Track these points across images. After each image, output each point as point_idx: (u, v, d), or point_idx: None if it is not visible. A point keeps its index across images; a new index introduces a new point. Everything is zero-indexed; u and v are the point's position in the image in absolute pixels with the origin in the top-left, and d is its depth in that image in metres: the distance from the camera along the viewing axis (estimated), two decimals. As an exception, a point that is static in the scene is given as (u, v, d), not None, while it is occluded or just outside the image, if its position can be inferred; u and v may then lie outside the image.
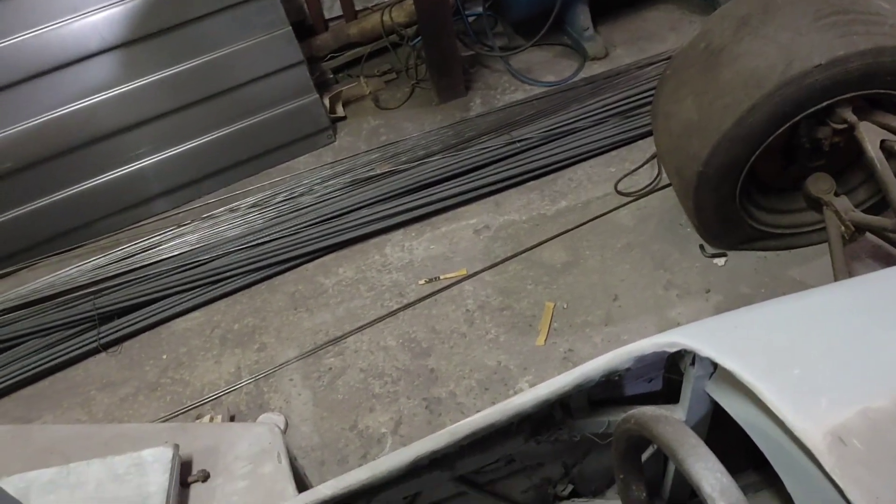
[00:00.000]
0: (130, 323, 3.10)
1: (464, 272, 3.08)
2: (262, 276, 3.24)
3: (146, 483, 1.38)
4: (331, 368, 2.81)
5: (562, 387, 1.29)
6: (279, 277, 3.26)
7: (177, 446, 1.46)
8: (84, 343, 3.04)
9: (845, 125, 2.30)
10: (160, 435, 1.58)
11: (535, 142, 3.54)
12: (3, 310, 3.19)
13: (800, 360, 1.10)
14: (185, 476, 1.48)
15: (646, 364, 1.32)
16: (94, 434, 1.59)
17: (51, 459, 1.50)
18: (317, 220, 3.37)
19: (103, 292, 3.18)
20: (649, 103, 3.06)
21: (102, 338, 3.04)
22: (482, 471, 1.57)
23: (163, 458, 1.42)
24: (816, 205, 2.59)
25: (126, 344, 3.09)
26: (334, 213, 3.39)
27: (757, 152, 2.30)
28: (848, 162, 2.67)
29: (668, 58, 3.70)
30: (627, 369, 1.30)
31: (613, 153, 3.50)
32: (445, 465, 1.42)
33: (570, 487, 1.74)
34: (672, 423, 1.02)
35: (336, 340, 2.91)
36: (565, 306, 2.84)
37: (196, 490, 1.47)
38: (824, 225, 2.51)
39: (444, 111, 4.05)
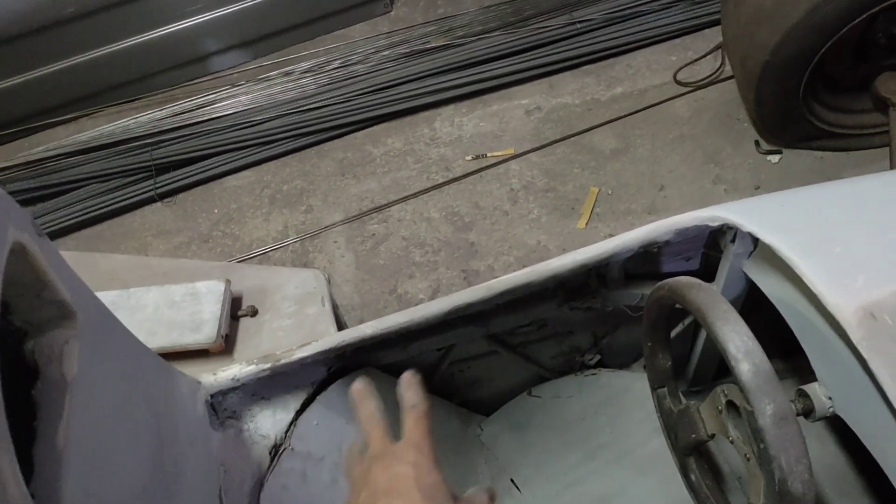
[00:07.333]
0: (185, 176, 3.19)
1: (511, 151, 3.08)
2: (313, 140, 3.29)
3: (200, 311, 1.48)
4: (374, 234, 2.89)
5: (600, 253, 1.32)
6: (329, 143, 3.30)
7: (228, 281, 1.55)
8: (141, 191, 3.16)
9: (928, 21, 2.19)
10: (213, 272, 1.67)
11: (596, 24, 3.43)
12: (65, 153, 3.31)
13: (843, 239, 1.11)
14: (235, 309, 1.58)
15: (686, 238, 1.33)
16: (153, 265, 1.69)
17: (112, 285, 1.60)
18: (369, 90, 3.36)
19: (160, 145, 3.27)
20: (722, -11, 2.92)
21: (159, 188, 3.15)
22: (515, 332, 1.63)
23: (216, 290, 1.51)
24: (883, 106, 2.48)
25: (180, 196, 3.20)
26: (387, 84, 3.37)
27: (828, 44, 2.20)
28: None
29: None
30: (667, 242, 1.32)
31: (677, 41, 3.37)
32: (480, 321, 1.49)
33: (598, 358, 1.80)
34: (705, 290, 1.05)
35: (381, 208, 2.97)
36: (610, 192, 2.84)
37: (245, 323, 1.57)
38: (888, 128, 2.43)
39: (505, -14, 3.92)
